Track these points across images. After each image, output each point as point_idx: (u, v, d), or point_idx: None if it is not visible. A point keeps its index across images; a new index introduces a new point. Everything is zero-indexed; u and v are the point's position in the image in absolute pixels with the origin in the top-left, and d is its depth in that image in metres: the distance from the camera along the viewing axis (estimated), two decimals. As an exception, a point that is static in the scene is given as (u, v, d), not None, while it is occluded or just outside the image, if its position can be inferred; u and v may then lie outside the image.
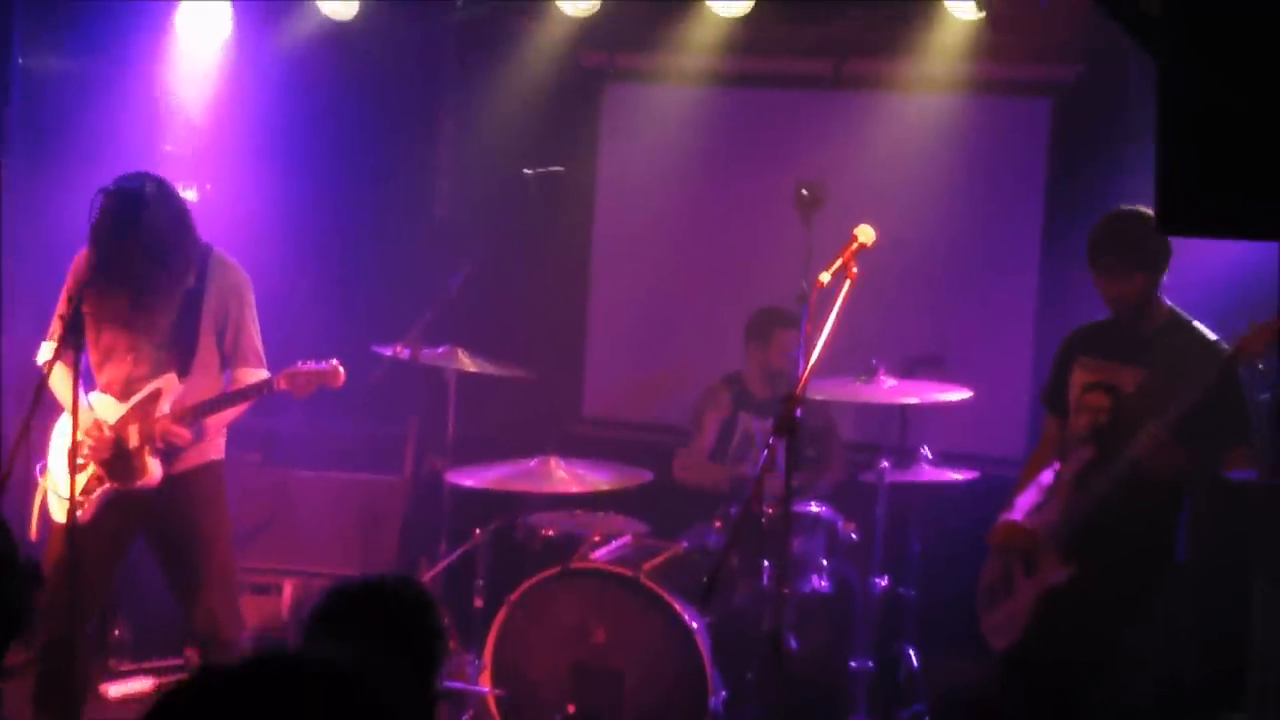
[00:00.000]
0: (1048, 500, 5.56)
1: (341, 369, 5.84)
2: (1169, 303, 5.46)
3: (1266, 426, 6.32)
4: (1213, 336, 5.35)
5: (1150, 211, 5.19)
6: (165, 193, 5.65)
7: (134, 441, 5.71)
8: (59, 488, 5.71)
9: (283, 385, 5.78)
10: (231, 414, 5.88)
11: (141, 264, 5.61)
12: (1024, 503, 5.65)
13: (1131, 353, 5.42)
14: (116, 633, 7.34)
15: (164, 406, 5.72)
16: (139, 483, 5.73)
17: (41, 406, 5.30)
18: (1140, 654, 5.50)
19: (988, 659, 5.86)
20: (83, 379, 5.42)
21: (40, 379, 5.44)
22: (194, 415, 5.73)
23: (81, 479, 5.65)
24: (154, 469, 5.74)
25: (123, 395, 5.76)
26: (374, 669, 1.66)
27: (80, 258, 5.72)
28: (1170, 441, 5.10)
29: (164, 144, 7.90)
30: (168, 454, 5.77)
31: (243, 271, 5.91)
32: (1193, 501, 5.52)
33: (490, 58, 8.41)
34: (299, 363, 5.81)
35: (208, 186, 7.72)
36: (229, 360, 5.87)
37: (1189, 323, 5.43)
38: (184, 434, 5.72)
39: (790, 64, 8.31)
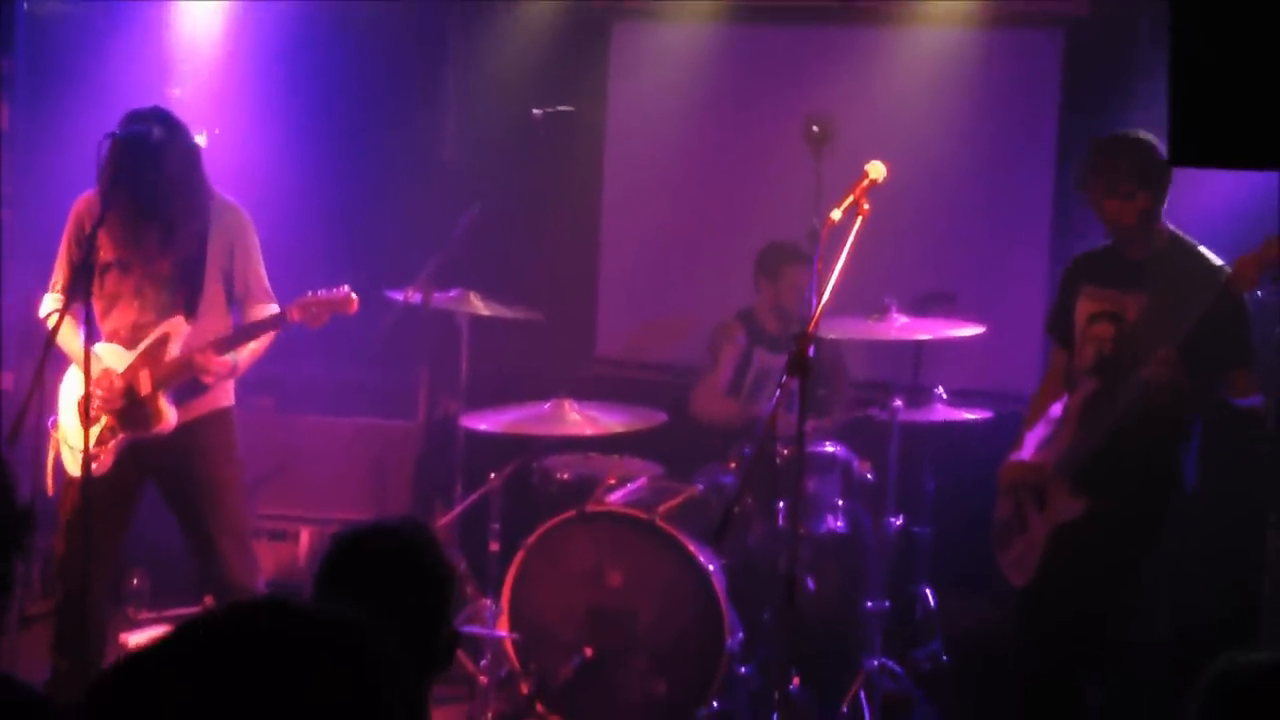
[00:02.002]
0: (1056, 433, 5.53)
1: (354, 295, 5.81)
2: (1171, 226, 5.40)
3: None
4: (1217, 260, 5.27)
5: (1149, 137, 5.20)
6: (176, 132, 5.60)
7: (145, 388, 5.69)
8: (71, 440, 5.70)
9: (296, 316, 5.75)
10: (254, 353, 5.85)
11: (151, 205, 5.58)
12: (1033, 438, 5.61)
13: (1133, 279, 5.36)
14: (135, 582, 7.36)
15: (173, 349, 5.69)
16: (154, 429, 5.72)
17: (50, 359, 5.28)
18: (1154, 586, 5.49)
19: (1004, 597, 5.85)
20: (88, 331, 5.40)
21: (49, 332, 5.39)
22: (216, 351, 5.70)
23: (94, 430, 5.64)
24: (169, 414, 5.72)
25: (130, 342, 5.73)
26: (372, 615, 1.64)
27: (83, 200, 5.68)
28: (1176, 366, 5.05)
29: (171, 88, 7.86)
30: (180, 398, 5.75)
31: (244, 212, 5.87)
32: (1203, 429, 5.47)
33: (498, -2, 8.36)
34: (309, 293, 5.79)
35: (216, 131, 7.67)
36: (240, 301, 5.84)
37: (1191, 246, 5.37)
38: (225, 362, 5.69)
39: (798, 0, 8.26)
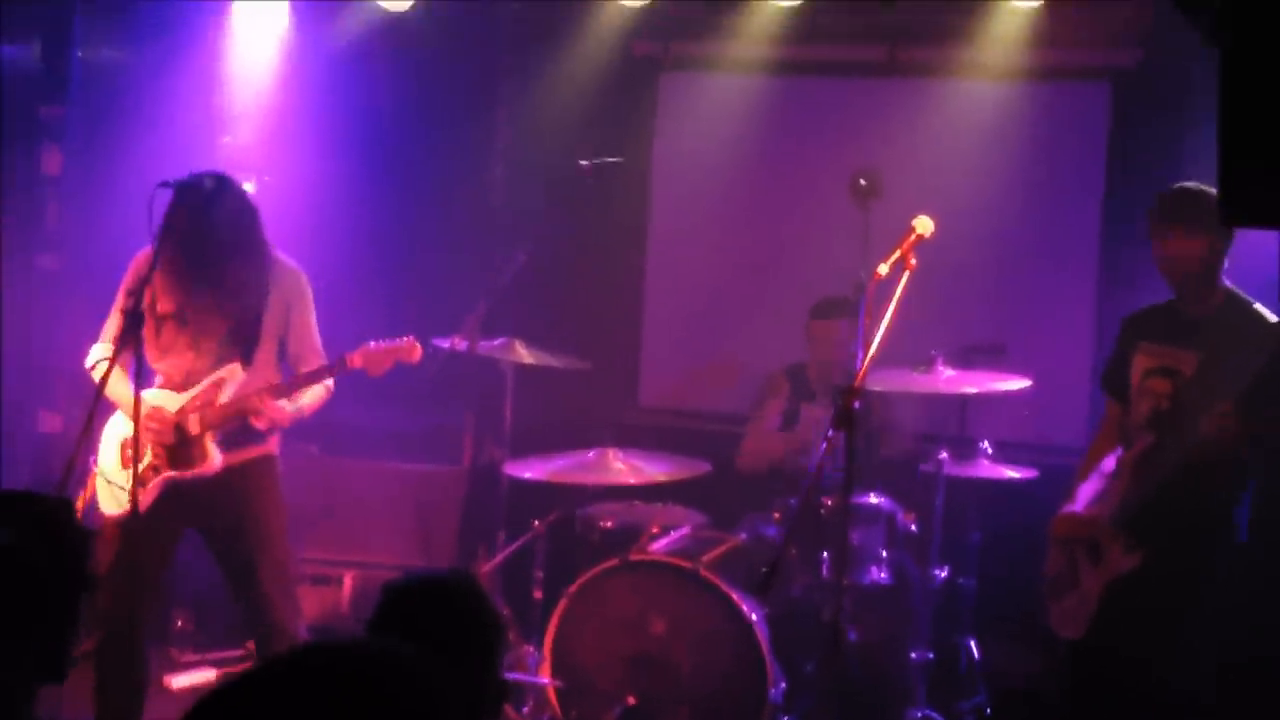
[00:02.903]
0: (1110, 487, 5.51)
1: (418, 344, 5.84)
2: (1228, 283, 5.38)
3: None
4: (1273, 317, 5.29)
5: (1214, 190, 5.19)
6: (230, 189, 5.67)
7: (195, 429, 5.72)
8: (110, 476, 5.73)
9: (358, 363, 5.78)
10: (312, 402, 5.89)
11: (206, 259, 5.63)
12: (1086, 492, 5.59)
13: (1191, 336, 5.35)
14: (179, 624, 7.40)
15: (226, 394, 5.73)
16: (199, 470, 5.74)
17: (100, 407, 5.30)
18: (1205, 638, 5.44)
19: (1049, 651, 5.83)
20: (142, 377, 5.43)
21: (99, 382, 5.41)
22: (273, 395, 5.74)
23: (138, 468, 5.67)
24: (215, 456, 5.75)
25: (182, 388, 5.77)
26: (432, 658, 1.66)
27: (142, 255, 5.73)
28: (1234, 420, 5.01)
29: (222, 136, 7.94)
30: (227, 443, 5.79)
31: (302, 272, 5.92)
32: (1257, 482, 5.44)
33: (545, 47, 8.41)
34: (371, 341, 5.82)
35: (266, 178, 7.74)
36: (293, 362, 5.88)
37: (1248, 303, 5.36)
38: (280, 408, 5.73)
39: (845, 51, 8.28)
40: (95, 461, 5.85)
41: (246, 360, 5.77)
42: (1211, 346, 5.27)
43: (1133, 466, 5.41)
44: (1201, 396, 5.17)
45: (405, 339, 5.84)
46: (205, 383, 5.75)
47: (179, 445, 5.74)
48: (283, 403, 5.77)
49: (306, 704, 1.54)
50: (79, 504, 5.82)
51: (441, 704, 1.61)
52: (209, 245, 5.61)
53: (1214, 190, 5.21)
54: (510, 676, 6.21)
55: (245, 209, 5.73)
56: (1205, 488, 5.23)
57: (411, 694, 1.59)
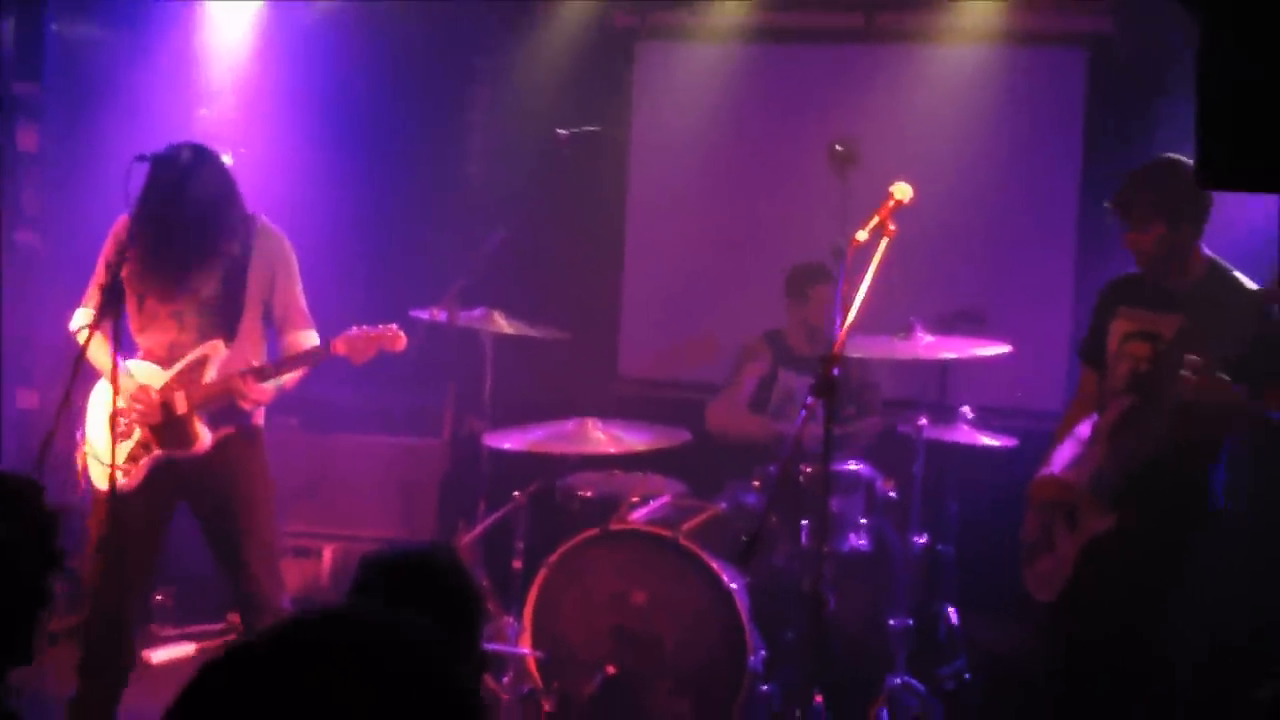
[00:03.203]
0: (1086, 452, 5.51)
1: (402, 333, 5.82)
2: (1208, 252, 5.37)
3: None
4: (1253, 285, 5.29)
5: (1181, 161, 5.19)
6: (208, 160, 5.64)
7: (181, 408, 5.70)
8: (99, 454, 5.72)
9: (341, 349, 5.76)
10: (291, 380, 5.88)
11: (186, 231, 5.60)
12: (1061, 456, 5.59)
13: (1170, 303, 5.34)
14: (159, 598, 7.39)
15: (210, 372, 5.71)
16: (190, 450, 5.73)
17: (79, 376, 5.29)
18: (1186, 607, 5.46)
19: (1028, 616, 5.84)
20: (122, 345, 5.41)
21: (80, 347, 5.41)
22: (257, 378, 5.72)
23: (126, 446, 5.65)
24: (204, 436, 5.73)
25: (166, 362, 5.75)
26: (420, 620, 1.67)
27: (120, 224, 5.70)
28: (1214, 374, 5.00)
29: (198, 109, 7.91)
30: (214, 420, 5.77)
31: (286, 239, 5.89)
32: (1232, 446, 5.44)
33: (522, 17, 8.39)
34: (354, 327, 5.81)
35: (242, 150, 7.72)
36: (279, 326, 5.85)
37: (1229, 272, 5.35)
38: (264, 390, 5.71)
39: (822, 18, 8.28)
40: (83, 436, 5.82)
41: (230, 336, 5.74)
42: (1193, 313, 5.25)
43: (1109, 431, 5.41)
44: (1179, 359, 5.14)
45: (389, 327, 5.81)
46: (189, 358, 5.72)
47: (167, 424, 5.72)
48: (269, 383, 5.75)
49: (305, 675, 1.54)
50: (79, 477, 5.80)
51: (439, 663, 1.61)
52: (187, 216, 5.58)
53: (1174, 164, 5.23)
54: (491, 647, 6.22)
55: (223, 180, 5.70)
56: (1181, 452, 5.22)
57: (409, 657, 1.59)
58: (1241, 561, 6.28)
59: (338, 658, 1.56)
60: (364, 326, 5.77)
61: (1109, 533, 5.31)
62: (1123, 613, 5.30)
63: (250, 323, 5.80)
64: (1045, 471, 5.58)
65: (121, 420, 5.57)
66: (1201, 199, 5.24)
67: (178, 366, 5.73)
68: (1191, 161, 5.14)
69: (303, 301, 5.89)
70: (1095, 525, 5.35)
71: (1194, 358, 5.00)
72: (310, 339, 5.86)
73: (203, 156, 5.61)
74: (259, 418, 5.95)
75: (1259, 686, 2.86)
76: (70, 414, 5.47)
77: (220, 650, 1.61)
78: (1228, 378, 4.96)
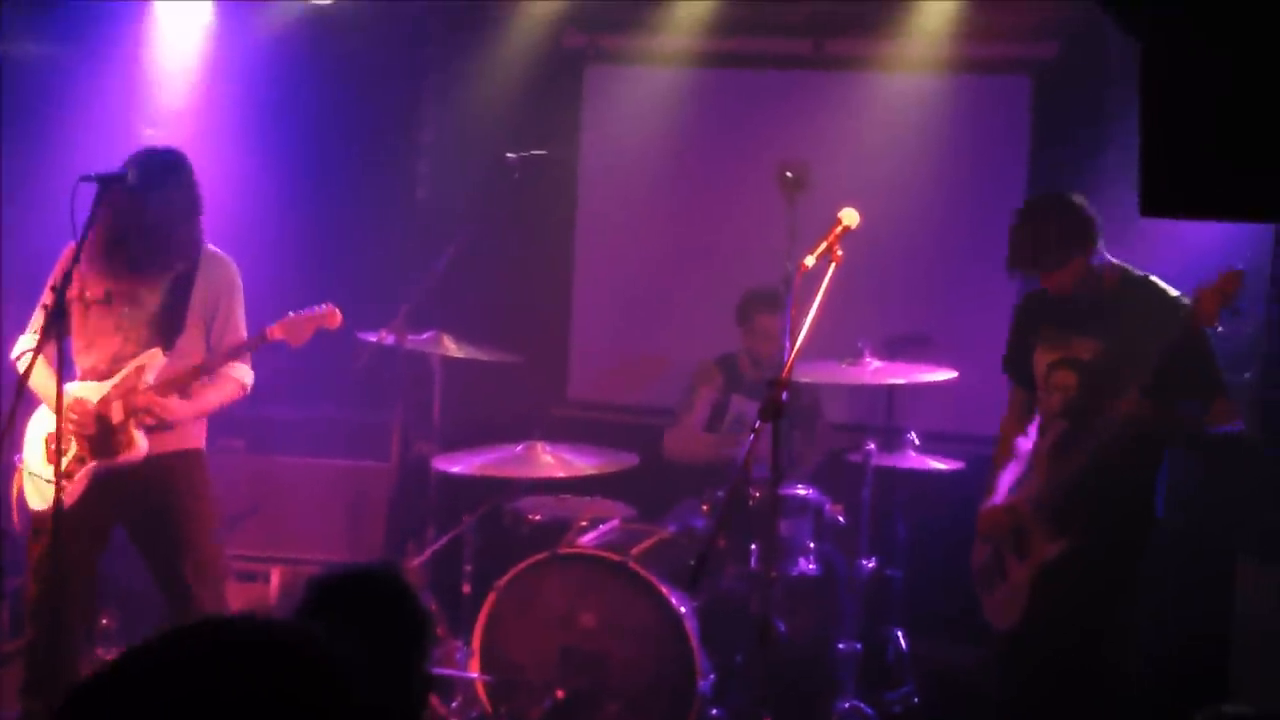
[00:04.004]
0: (1028, 474, 5.51)
1: (337, 310, 5.82)
2: (1116, 261, 5.34)
3: (1253, 400, 6.35)
4: (1173, 292, 5.23)
5: (1056, 193, 5.30)
6: (152, 174, 5.58)
7: (117, 416, 5.67)
8: (35, 469, 5.68)
9: (278, 334, 5.76)
10: (220, 395, 5.85)
11: (134, 246, 5.59)
12: (1005, 480, 5.60)
13: (1085, 322, 5.31)
14: (105, 622, 7.33)
15: (148, 378, 5.69)
16: (123, 457, 5.68)
17: (22, 401, 5.25)
18: (1133, 616, 5.46)
19: (977, 639, 5.86)
20: (65, 370, 5.38)
21: (22, 374, 5.37)
22: (180, 383, 5.70)
23: (64, 463, 5.62)
24: (140, 442, 5.69)
25: (106, 375, 5.73)
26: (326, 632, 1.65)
27: (68, 251, 5.67)
28: (1147, 403, 5.02)
29: (145, 128, 7.87)
30: (153, 429, 5.73)
31: (234, 265, 5.90)
32: (1172, 459, 5.46)
33: (471, 40, 8.40)
34: (290, 312, 5.79)
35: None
36: (213, 349, 5.84)
37: (1144, 280, 5.31)
38: (166, 404, 5.68)
39: (771, 44, 8.31)
40: (20, 459, 5.79)
41: (167, 345, 5.73)
42: (1112, 331, 5.24)
43: (1048, 455, 5.41)
44: (1109, 381, 5.18)
45: (324, 305, 5.82)
46: (127, 369, 5.71)
47: (102, 434, 5.69)
48: (180, 399, 5.72)
49: (186, 684, 1.53)
50: (13, 499, 5.76)
51: (334, 677, 1.60)
52: (134, 232, 5.57)
53: (1055, 205, 5.28)
54: (439, 671, 6.19)
55: (171, 194, 5.66)
56: (1122, 469, 5.23)
57: (299, 668, 1.57)
58: (1175, 575, 6.33)
59: (208, 667, 1.54)
60: (300, 310, 5.77)
61: (1059, 557, 5.31)
62: (1079, 633, 5.30)
63: (190, 339, 5.77)
64: (990, 502, 5.59)
65: (65, 431, 5.53)
66: (1094, 216, 5.25)
67: (117, 377, 5.70)
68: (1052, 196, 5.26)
69: (243, 329, 5.88)
70: (1045, 551, 5.34)
71: (1134, 397, 5.02)
72: (241, 371, 5.86)
73: (148, 171, 5.56)
74: (199, 440, 5.92)
75: (1198, 709, 2.88)
76: (12, 441, 5.44)
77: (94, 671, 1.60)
78: (1160, 403, 5.00)
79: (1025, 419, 5.62)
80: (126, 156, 5.63)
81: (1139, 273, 5.34)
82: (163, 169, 5.62)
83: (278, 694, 1.53)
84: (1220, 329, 4.93)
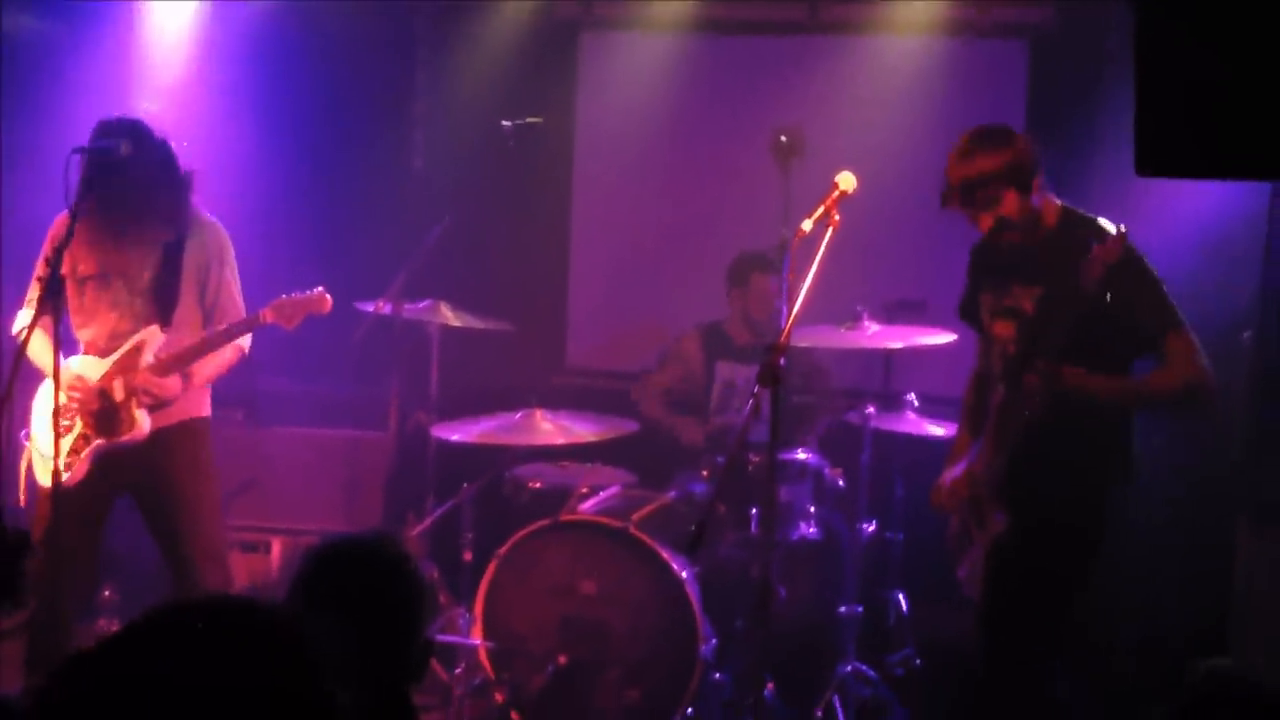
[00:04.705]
0: (982, 443, 5.20)
1: (328, 295, 5.82)
2: (1059, 201, 5.04)
3: (1250, 362, 6.32)
4: (1112, 229, 4.78)
5: (989, 126, 5.02)
6: (144, 144, 5.58)
7: (119, 394, 5.68)
8: (43, 449, 5.69)
9: (270, 318, 5.75)
10: (218, 365, 5.85)
11: (119, 217, 5.59)
12: (969, 449, 5.33)
13: (1028, 268, 4.99)
14: (106, 594, 7.34)
15: (147, 357, 5.69)
16: (126, 436, 5.70)
17: (22, 375, 5.25)
18: (1104, 589, 5.30)
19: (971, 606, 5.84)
20: (66, 346, 5.39)
21: (19, 347, 5.38)
22: (177, 363, 5.70)
23: (68, 440, 5.63)
24: (142, 421, 5.71)
25: (105, 351, 5.73)
26: (346, 627, 1.67)
27: (59, 221, 5.68)
28: (1063, 371, 4.73)
29: (141, 103, 7.84)
30: (154, 407, 5.74)
31: (223, 230, 5.89)
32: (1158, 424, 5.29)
33: (465, 7, 8.38)
34: (283, 295, 5.79)
35: (185, 144, 7.66)
36: (209, 317, 5.84)
37: (1082, 218, 4.98)
38: (164, 384, 5.69)
39: (766, 10, 8.30)
40: (27, 434, 5.80)
41: (165, 321, 5.73)
42: (1049, 277, 4.87)
43: (994, 422, 5.11)
44: (1042, 336, 4.82)
45: (315, 290, 5.81)
46: (125, 346, 5.71)
47: (105, 412, 5.70)
48: (177, 375, 5.72)
49: (174, 657, 1.54)
50: (20, 476, 5.78)
51: (321, 655, 1.60)
52: (126, 204, 5.57)
53: (987, 138, 4.98)
54: (441, 639, 6.21)
55: (161, 164, 5.66)
56: (1067, 438, 4.91)
57: (287, 648, 1.58)
58: (1174, 543, 6.33)
59: (185, 648, 1.56)
60: (292, 293, 5.77)
61: (1007, 532, 5.04)
62: (1033, 605, 5.03)
63: (187, 309, 5.78)
64: (945, 473, 5.36)
65: (68, 410, 5.55)
66: (1033, 151, 4.96)
67: (116, 355, 5.71)
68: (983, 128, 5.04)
69: (237, 294, 5.88)
70: (994, 527, 5.09)
71: (1040, 364, 4.73)
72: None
73: (139, 141, 5.55)
74: (203, 409, 5.93)
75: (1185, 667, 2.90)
76: (10, 414, 5.44)
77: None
78: (1090, 371, 4.74)
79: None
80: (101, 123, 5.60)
81: (1079, 212, 5.03)
82: (144, 135, 5.60)
83: (251, 677, 1.54)
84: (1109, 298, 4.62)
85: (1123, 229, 4.67)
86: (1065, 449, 4.93)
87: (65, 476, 5.48)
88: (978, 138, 5.05)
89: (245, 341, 5.89)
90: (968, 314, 5.42)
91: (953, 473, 5.33)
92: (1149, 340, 4.84)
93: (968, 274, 5.42)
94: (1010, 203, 4.95)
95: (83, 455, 5.68)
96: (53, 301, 5.21)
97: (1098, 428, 4.95)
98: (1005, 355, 5.05)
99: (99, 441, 5.71)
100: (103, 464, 5.72)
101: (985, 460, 5.14)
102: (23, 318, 5.80)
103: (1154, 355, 4.86)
